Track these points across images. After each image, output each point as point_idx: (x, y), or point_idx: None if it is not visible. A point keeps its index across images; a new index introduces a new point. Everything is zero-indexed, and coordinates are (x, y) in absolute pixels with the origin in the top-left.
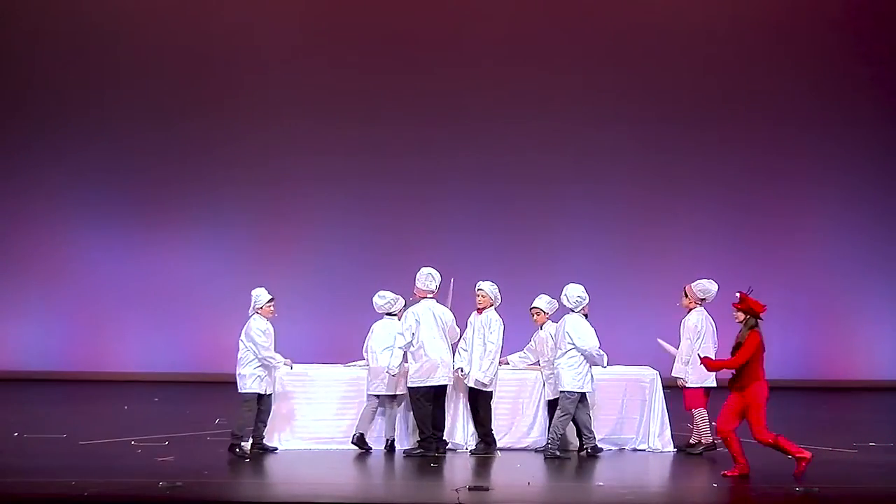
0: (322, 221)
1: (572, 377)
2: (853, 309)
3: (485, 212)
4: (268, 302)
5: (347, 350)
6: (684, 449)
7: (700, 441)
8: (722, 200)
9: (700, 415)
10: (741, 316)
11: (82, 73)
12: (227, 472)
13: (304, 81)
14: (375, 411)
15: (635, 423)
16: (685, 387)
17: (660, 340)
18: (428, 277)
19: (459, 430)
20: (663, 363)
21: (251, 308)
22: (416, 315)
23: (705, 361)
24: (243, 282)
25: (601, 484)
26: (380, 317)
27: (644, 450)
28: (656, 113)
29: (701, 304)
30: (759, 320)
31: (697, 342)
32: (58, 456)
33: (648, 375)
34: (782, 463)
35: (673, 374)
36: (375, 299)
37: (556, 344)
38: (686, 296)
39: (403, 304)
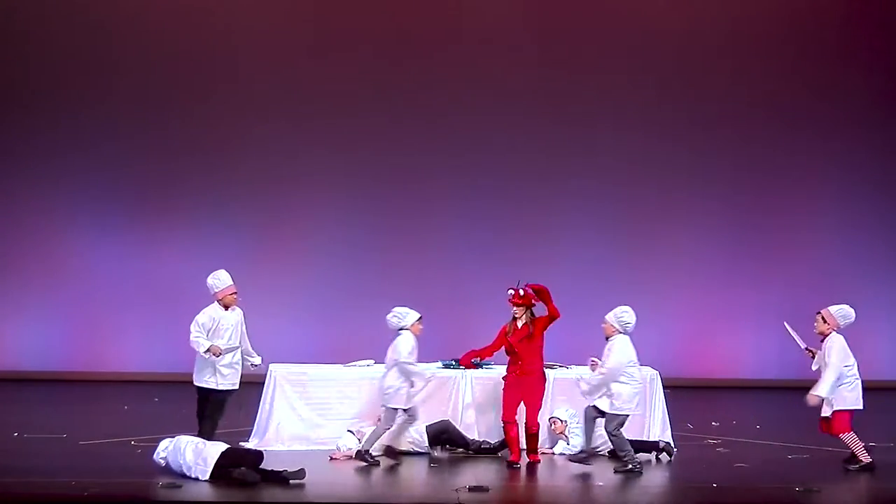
0: (323, 221)
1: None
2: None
3: (487, 214)
4: (227, 288)
5: (348, 350)
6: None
7: (859, 459)
8: (721, 201)
9: (850, 438)
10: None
11: (79, 72)
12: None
13: (303, 81)
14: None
15: (636, 423)
16: (836, 410)
17: (786, 325)
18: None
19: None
20: (664, 363)
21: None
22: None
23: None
24: (243, 281)
25: (601, 484)
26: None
27: None
28: (656, 113)
29: (838, 330)
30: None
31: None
32: (58, 456)
33: (649, 376)
34: (782, 462)
35: (826, 395)
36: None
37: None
38: (824, 321)
39: (418, 317)
